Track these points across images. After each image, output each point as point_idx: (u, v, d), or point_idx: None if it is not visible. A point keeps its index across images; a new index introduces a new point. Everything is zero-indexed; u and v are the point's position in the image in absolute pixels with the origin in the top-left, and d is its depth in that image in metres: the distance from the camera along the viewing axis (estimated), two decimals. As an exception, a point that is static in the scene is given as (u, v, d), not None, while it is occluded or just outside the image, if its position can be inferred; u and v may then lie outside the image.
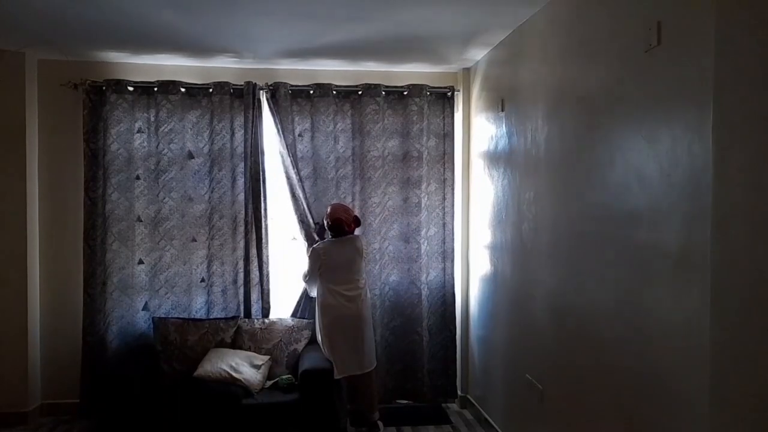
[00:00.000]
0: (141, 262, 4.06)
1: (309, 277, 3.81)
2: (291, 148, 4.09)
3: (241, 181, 4.09)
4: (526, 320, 3.24)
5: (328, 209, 3.85)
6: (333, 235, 3.82)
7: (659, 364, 2.01)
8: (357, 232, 3.95)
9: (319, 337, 3.81)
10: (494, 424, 3.75)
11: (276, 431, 3.09)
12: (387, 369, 4.21)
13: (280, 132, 4.08)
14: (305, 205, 4.09)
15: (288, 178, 4.12)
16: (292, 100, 4.16)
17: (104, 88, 3.98)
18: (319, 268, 3.75)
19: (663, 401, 2.00)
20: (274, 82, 4.09)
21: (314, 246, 3.83)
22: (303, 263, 3.95)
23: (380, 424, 3.82)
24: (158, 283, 4.08)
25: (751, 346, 1.59)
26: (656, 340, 2.02)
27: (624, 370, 2.23)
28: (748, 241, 1.61)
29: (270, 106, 4.08)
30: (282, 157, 4.11)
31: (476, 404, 4.15)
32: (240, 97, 4.08)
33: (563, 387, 2.79)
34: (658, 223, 2.02)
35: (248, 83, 4.05)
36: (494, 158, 3.80)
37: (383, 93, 4.22)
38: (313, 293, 3.87)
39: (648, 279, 2.07)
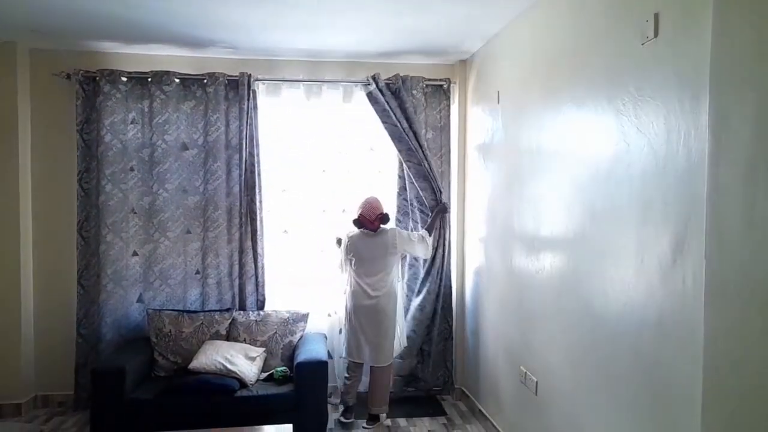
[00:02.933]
0: (135, 254, 4.04)
1: (341, 262, 3.92)
2: (409, 134, 4.10)
3: (236, 173, 4.07)
4: (521, 312, 3.25)
5: (361, 202, 3.88)
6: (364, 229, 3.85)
7: (654, 356, 2.02)
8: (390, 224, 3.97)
9: (344, 323, 3.92)
10: (489, 416, 3.76)
11: (270, 422, 3.09)
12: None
13: (404, 119, 4.08)
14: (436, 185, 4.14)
15: (409, 163, 4.13)
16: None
17: (97, 78, 3.94)
18: (347, 256, 3.84)
19: (659, 392, 2.01)
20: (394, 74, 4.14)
21: (348, 234, 3.89)
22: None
23: (383, 417, 3.85)
24: (152, 275, 4.07)
25: (745, 338, 1.60)
26: (651, 332, 2.03)
27: (619, 362, 2.24)
28: (744, 233, 1.61)
29: (381, 95, 4.06)
30: (407, 145, 4.09)
31: (471, 396, 4.16)
32: (235, 88, 4.05)
33: (558, 378, 2.80)
34: (653, 215, 2.02)
35: (243, 74, 4.02)
36: (490, 150, 3.79)
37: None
38: (343, 277, 3.95)
39: (643, 270, 2.07)
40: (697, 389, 1.73)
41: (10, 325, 3.94)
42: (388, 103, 4.06)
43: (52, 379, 4.10)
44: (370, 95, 4.10)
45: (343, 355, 3.94)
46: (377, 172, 4.33)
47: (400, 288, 3.96)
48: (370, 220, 3.77)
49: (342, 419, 3.84)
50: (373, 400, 3.81)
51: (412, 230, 4.15)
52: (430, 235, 3.97)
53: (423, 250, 3.91)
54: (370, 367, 3.82)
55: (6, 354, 3.94)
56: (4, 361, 3.94)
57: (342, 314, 4.00)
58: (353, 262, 3.81)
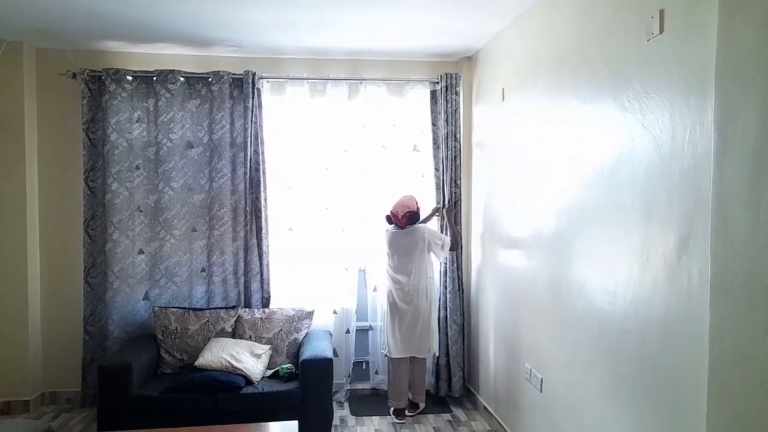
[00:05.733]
0: (141, 252, 4.06)
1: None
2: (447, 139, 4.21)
3: (241, 171, 4.08)
4: (526, 309, 3.25)
5: (397, 200, 3.97)
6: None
7: (660, 353, 2.01)
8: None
9: (383, 318, 4.04)
10: (494, 414, 3.77)
11: (276, 419, 3.10)
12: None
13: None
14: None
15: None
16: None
17: (103, 77, 3.96)
18: (386, 251, 3.95)
19: (664, 388, 2.01)
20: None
21: (386, 230, 3.99)
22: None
23: (420, 406, 4.00)
24: (158, 273, 4.09)
25: (751, 335, 1.59)
26: (657, 329, 2.03)
27: (625, 358, 2.24)
28: (750, 230, 1.60)
29: (443, 95, 4.14)
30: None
31: (476, 393, 4.17)
32: (239, 87, 4.06)
33: (563, 375, 2.80)
34: (658, 212, 2.01)
35: (247, 72, 4.03)
36: (495, 148, 3.79)
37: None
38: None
39: (648, 268, 2.07)
40: (703, 386, 1.73)
41: (17, 322, 3.97)
42: (445, 104, 4.14)
43: (60, 376, 4.13)
44: (433, 94, 4.18)
45: (384, 351, 4.02)
46: (393, 169, 4.32)
47: (434, 287, 4.00)
48: (397, 217, 3.87)
49: (396, 422, 3.87)
50: (415, 391, 3.99)
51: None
52: (448, 243, 4.01)
53: (442, 256, 4.01)
54: (411, 358, 3.92)
55: (14, 351, 3.97)
56: (12, 358, 3.97)
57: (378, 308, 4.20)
58: (390, 257, 3.92)
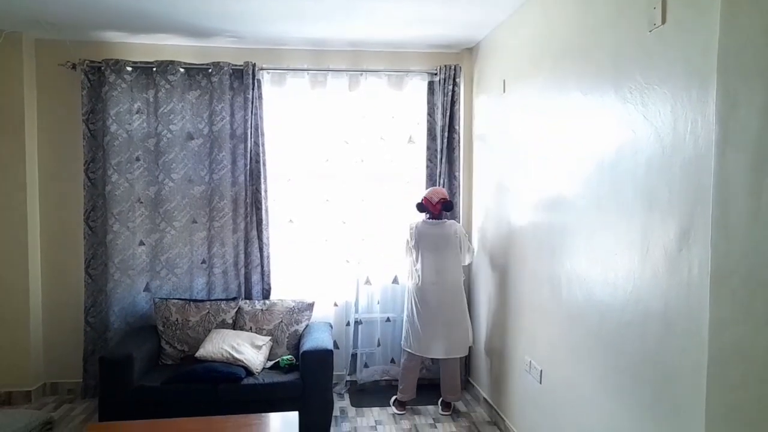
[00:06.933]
0: (142, 243, 4.07)
1: (405, 249, 3.93)
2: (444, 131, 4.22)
3: (241, 163, 4.08)
4: (525, 301, 3.25)
5: (427, 190, 3.94)
6: (428, 215, 3.86)
7: (660, 344, 2.02)
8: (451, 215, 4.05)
9: (406, 312, 3.92)
10: (494, 405, 3.78)
11: (276, 410, 3.11)
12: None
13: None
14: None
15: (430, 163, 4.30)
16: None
17: (102, 68, 3.94)
18: (411, 245, 3.84)
19: (663, 380, 2.01)
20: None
21: (411, 224, 3.90)
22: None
23: (451, 405, 3.91)
24: (159, 265, 4.09)
25: (751, 327, 1.59)
26: (656, 321, 2.03)
27: (624, 350, 2.24)
28: (751, 222, 1.60)
29: (440, 87, 4.16)
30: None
31: (476, 385, 4.18)
32: (239, 78, 4.05)
33: (563, 367, 2.80)
34: (659, 204, 2.01)
35: (247, 63, 4.01)
36: (496, 139, 3.78)
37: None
38: (408, 265, 3.94)
39: (649, 259, 2.07)
40: (702, 378, 1.74)
41: (19, 314, 3.98)
42: (443, 95, 4.13)
43: (61, 367, 4.15)
44: (431, 85, 4.16)
45: (407, 347, 3.86)
46: (389, 161, 4.31)
47: (463, 284, 3.88)
48: (432, 203, 3.81)
49: (396, 413, 3.87)
50: (447, 390, 3.89)
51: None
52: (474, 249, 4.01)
53: (469, 258, 3.93)
54: (446, 358, 3.81)
55: (15, 342, 3.99)
56: (14, 349, 3.99)
57: (404, 303, 4.08)
58: (418, 254, 3.81)
